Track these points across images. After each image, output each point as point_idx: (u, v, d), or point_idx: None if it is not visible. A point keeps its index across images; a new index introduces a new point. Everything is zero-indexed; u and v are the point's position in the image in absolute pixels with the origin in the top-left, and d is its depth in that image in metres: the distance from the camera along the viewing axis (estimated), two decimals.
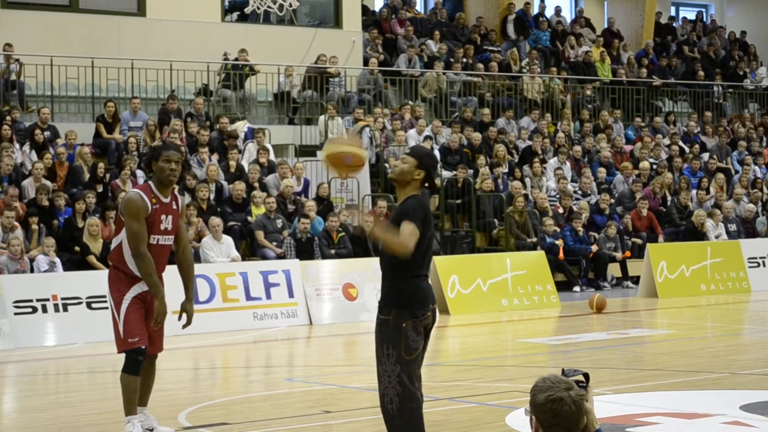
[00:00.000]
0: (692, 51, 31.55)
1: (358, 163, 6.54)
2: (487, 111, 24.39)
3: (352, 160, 6.51)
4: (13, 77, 20.41)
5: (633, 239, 21.17)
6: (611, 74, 28.09)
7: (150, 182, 8.00)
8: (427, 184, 6.56)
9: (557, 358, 12.60)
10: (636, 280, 20.04)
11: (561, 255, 19.54)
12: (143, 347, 7.80)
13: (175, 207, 7.99)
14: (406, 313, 6.37)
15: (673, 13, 35.10)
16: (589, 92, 27.15)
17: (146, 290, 7.83)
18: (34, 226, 16.16)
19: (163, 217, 7.86)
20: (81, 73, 20.78)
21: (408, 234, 6.30)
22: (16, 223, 15.89)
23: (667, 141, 25.84)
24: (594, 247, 20.11)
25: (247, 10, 22.94)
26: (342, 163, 6.52)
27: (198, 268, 15.21)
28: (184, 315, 8.04)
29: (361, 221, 6.87)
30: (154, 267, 7.76)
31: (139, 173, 18.13)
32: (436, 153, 21.90)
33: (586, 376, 4.10)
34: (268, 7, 22.38)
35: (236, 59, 22.38)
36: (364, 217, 6.61)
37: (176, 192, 8.17)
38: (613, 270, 20.52)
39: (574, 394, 3.95)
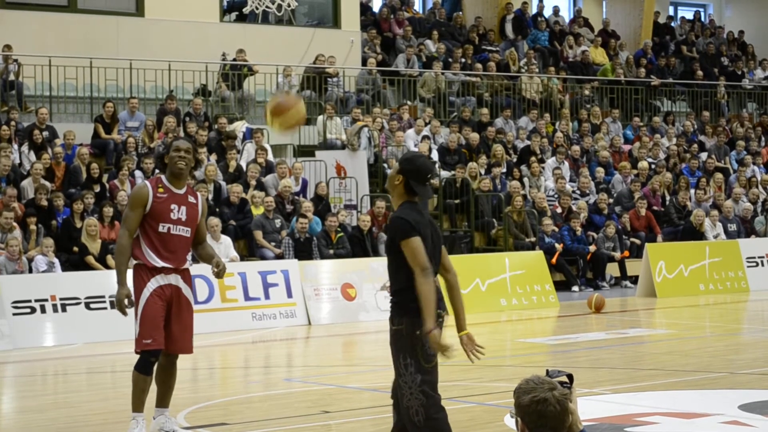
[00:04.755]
0: (690, 51, 31.56)
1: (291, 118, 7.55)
2: (485, 111, 24.38)
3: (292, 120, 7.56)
4: (12, 77, 20.40)
5: (631, 239, 21.16)
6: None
7: (162, 176, 8.11)
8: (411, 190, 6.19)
9: (556, 357, 12.59)
10: (634, 279, 20.04)
11: (554, 260, 19.42)
12: (156, 349, 7.84)
13: (193, 201, 8.04)
14: (419, 320, 6.05)
15: (671, 12, 35.12)
16: (587, 92, 27.15)
17: (166, 283, 7.87)
18: (33, 227, 16.15)
19: (174, 206, 7.90)
20: (79, 73, 20.75)
21: (411, 257, 6.04)
22: (15, 224, 15.88)
23: (666, 141, 25.85)
24: (592, 247, 20.10)
25: (246, 10, 22.88)
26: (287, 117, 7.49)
27: (197, 269, 15.18)
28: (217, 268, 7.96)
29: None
30: (126, 256, 7.86)
31: (138, 174, 18.12)
32: (435, 154, 21.88)
33: (570, 376, 4.11)
34: (267, 7, 22.34)
35: (234, 59, 22.37)
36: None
37: (194, 189, 8.25)
38: (612, 270, 20.52)
39: (558, 394, 3.97)
